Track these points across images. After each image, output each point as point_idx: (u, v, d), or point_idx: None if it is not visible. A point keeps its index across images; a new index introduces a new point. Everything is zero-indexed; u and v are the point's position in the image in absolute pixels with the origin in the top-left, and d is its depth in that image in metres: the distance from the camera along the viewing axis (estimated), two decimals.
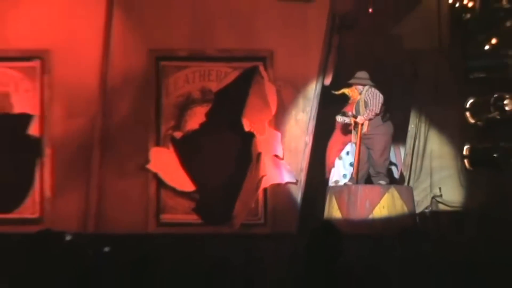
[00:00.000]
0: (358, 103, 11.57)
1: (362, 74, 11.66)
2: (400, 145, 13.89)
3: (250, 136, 11.84)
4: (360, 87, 11.56)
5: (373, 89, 11.47)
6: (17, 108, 12.12)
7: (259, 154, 11.71)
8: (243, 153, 11.93)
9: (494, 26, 12.86)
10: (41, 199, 12.00)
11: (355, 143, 11.64)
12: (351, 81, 11.62)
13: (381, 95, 11.43)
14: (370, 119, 11.35)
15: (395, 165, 13.80)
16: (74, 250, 5.00)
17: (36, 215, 11.94)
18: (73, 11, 11.99)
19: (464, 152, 13.06)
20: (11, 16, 12.07)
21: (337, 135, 12.67)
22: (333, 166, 12.69)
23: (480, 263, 8.17)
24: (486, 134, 12.95)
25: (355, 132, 11.59)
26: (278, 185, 11.88)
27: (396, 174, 13.68)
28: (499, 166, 12.34)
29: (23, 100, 12.12)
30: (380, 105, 11.41)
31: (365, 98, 11.43)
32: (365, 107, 11.38)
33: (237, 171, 11.95)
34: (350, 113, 11.67)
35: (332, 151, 12.80)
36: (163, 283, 5.63)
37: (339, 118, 11.76)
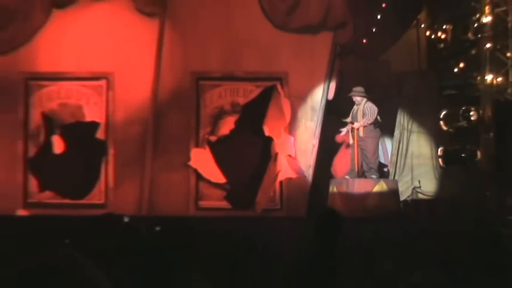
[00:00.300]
0: (356, 111, 12.30)
1: (359, 89, 12.44)
2: (388, 147, 14.77)
3: (269, 139, 12.46)
4: (359, 99, 12.32)
5: (370, 102, 12.29)
6: (88, 117, 12.81)
7: (276, 154, 12.38)
8: (264, 153, 12.53)
9: (462, 54, 13.71)
10: (105, 188, 12.69)
11: (352, 144, 12.34)
12: (351, 94, 12.38)
13: (376, 108, 12.24)
14: (365, 126, 12.10)
15: (385, 164, 14.53)
16: (131, 229, 5.01)
17: (101, 201, 12.61)
18: (132, 42, 12.67)
19: (439, 153, 13.79)
20: (84, 46, 12.65)
21: (342, 152, 13.24)
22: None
23: (450, 237, 8.33)
24: (456, 138, 13.64)
25: (351, 135, 12.32)
26: (291, 178, 12.42)
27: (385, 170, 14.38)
28: (466, 164, 13.19)
29: (93, 111, 12.81)
30: (375, 115, 12.22)
31: (364, 109, 12.18)
32: (363, 116, 12.12)
33: (259, 167, 12.51)
34: (348, 121, 12.37)
35: (340, 165, 13.22)
36: (201, 255, 5.54)
37: (343, 131, 12.42)
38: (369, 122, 12.23)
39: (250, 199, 12.44)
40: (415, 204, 13.57)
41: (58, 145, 12.79)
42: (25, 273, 1.71)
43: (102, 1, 12.78)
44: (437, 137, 14.15)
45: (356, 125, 12.20)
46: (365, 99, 12.38)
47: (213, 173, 12.61)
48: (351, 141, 12.44)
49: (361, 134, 12.28)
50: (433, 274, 4.30)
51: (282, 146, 12.44)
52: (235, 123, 12.70)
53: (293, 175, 12.47)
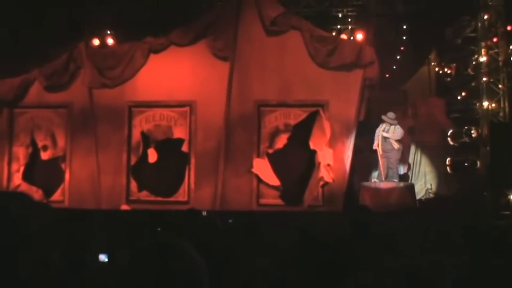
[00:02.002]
0: (387, 130, 12.53)
1: (391, 115, 12.69)
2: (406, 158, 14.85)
3: (313, 152, 12.69)
4: (390, 121, 12.62)
5: (398, 126, 12.60)
6: (176, 135, 13.23)
7: (319, 163, 12.58)
8: (309, 162, 12.75)
9: (464, 85, 14.01)
10: (188, 189, 13.03)
11: (381, 155, 12.68)
12: (385, 118, 12.63)
13: (402, 131, 12.60)
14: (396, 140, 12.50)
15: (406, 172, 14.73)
16: (208, 220, 4.97)
17: (185, 199, 12.92)
18: (209, 78, 13.03)
19: (447, 162, 14.05)
20: (173, 81, 13.14)
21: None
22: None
23: (455, 227, 7.65)
24: (460, 151, 13.94)
25: (380, 151, 12.68)
26: (330, 182, 12.47)
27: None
28: (469, 171, 13.44)
29: (179, 131, 13.21)
30: (401, 134, 12.61)
31: (394, 129, 12.53)
32: (394, 133, 12.49)
33: (306, 173, 12.73)
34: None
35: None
36: (261, 240, 5.32)
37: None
38: (396, 138, 12.52)
39: (299, 198, 12.59)
40: (428, 202, 13.68)
41: (152, 156, 13.20)
42: (151, 247, 1.73)
43: (187, 47, 13.14)
44: (445, 150, 14.34)
45: (392, 136, 12.42)
46: (394, 125, 12.63)
47: (270, 177, 12.80)
48: (379, 154, 12.67)
49: (396, 146, 12.54)
50: (437, 257, 4.15)
51: (324, 157, 12.48)
52: (287, 139, 12.91)
53: (331, 180, 12.44)
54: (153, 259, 1.71)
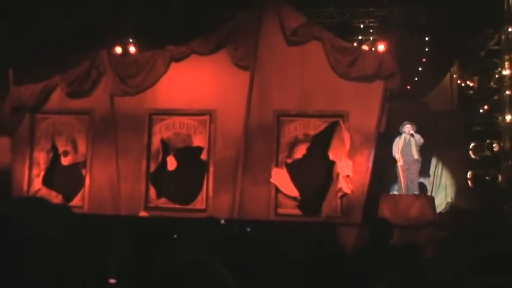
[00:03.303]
0: (408, 140, 12.57)
1: (409, 123, 12.71)
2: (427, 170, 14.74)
3: (333, 162, 12.53)
4: (410, 130, 12.60)
5: (417, 134, 12.54)
6: (195, 143, 13.17)
7: (338, 174, 12.41)
8: (328, 173, 12.57)
9: (487, 98, 13.92)
10: (206, 197, 12.94)
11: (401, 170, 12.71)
12: (405, 125, 12.62)
13: (422, 139, 12.52)
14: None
15: (424, 184, 14.61)
16: (226, 229, 4.89)
17: (203, 207, 12.87)
18: (229, 86, 13.01)
19: (468, 176, 13.99)
20: (193, 90, 13.09)
21: None
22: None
23: (474, 237, 8.02)
24: (482, 165, 13.86)
25: (400, 163, 12.66)
26: (349, 193, 12.30)
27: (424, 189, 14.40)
28: (489, 185, 13.38)
29: (199, 139, 13.15)
30: (422, 141, 12.54)
31: (415, 137, 12.50)
32: (416, 142, 12.50)
33: (324, 183, 12.56)
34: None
35: None
36: (277, 249, 5.35)
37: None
38: (420, 143, 12.42)
39: (317, 208, 12.48)
40: (448, 215, 13.54)
41: (171, 163, 13.14)
42: (182, 264, 1.71)
43: (208, 56, 13.14)
44: (466, 163, 14.24)
45: (418, 140, 12.41)
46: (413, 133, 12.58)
47: (289, 188, 12.67)
48: (400, 163, 12.62)
49: (416, 156, 12.50)
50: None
51: (343, 168, 12.36)
52: (306, 150, 12.79)
53: (350, 191, 12.29)
54: (182, 277, 1.69)
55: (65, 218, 2.08)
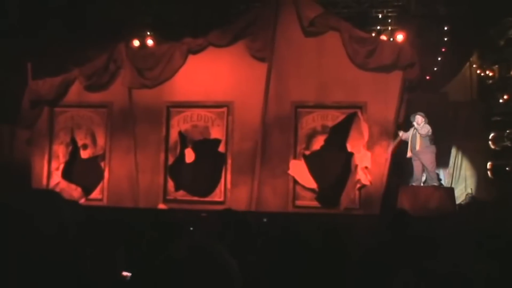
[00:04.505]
0: (415, 134, 12.18)
1: (419, 114, 12.29)
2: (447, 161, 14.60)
3: (351, 154, 12.47)
4: (420, 120, 12.17)
5: (427, 124, 12.18)
6: (213, 135, 13.18)
7: (356, 165, 12.35)
8: (346, 165, 12.54)
9: (506, 88, 13.76)
10: (224, 189, 12.95)
11: (413, 159, 12.28)
12: (416, 115, 12.20)
13: (430, 128, 12.09)
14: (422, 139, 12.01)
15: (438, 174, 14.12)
16: (243, 221, 4.76)
17: (221, 199, 12.87)
18: (246, 78, 12.96)
19: (488, 167, 13.94)
20: (211, 82, 13.07)
21: None
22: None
23: (492, 231, 8.44)
24: (502, 155, 13.77)
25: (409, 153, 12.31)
26: (367, 185, 12.25)
27: (443, 180, 14.22)
28: (510, 175, 13.29)
29: (216, 131, 13.16)
30: (428, 130, 12.04)
31: (422, 127, 12.10)
32: (421, 132, 12.06)
33: (343, 175, 12.51)
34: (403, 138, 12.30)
35: None
36: (296, 240, 5.97)
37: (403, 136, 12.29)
38: (423, 133, 12.05)
39: (335, 200, 12.40)
40: (468, 207, 13.38)
41: (189, 156, 13.20)
42: (183, 250, 1.75)
43: (225, 48, 13.10)
44: (486, 154, 14.16)
45: (420, 130, 12.03)
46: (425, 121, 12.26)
47: (307, 179, 12.64)
48: (408, 155, 12.31)
49: (417, 148, 12.15)
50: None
51: (361, 159, 12.31)
52: (324, 141, 12.75)
53: (368, 182, 12.24)
54: (185, 262, 1.72)
55: (75, 212, 2.07)
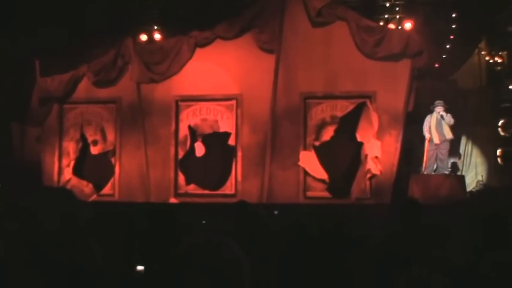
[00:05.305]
0: (439, 119, 12.30)
1: (441, 102, 12.48)
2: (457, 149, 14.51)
3: (361, 144, 12.45)
4: (441, 109, 12.34)
5: (449, 114, 12.31)
6: (222, 129, 13.15)
7: (366, 155, 12.33)
8: (356, 154, 12.51)
9: None
10: (235, 182, 12.97)
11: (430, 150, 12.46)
12: (436, 105, 12.38)
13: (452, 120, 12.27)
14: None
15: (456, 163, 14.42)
16: (255, 212, 4.50)
17: (232, 192, 12.89)
18: (255, 71, 12.92)
19: (498, 154, 13.88)
20: (219, 75, 13.09)
21: None
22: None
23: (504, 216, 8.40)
24: (511, 142, 13.76)
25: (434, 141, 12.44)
26: (378, 174, 12.22)
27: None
28: None
29: (226, 124, 13.15)
30: (453, 121, 12.29)
31: (447, 116, 12.25)
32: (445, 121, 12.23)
33: (353, 165, 12.47)
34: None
35: None
36: (307, 229, 5.39)
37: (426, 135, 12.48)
38: (451, 123, 12.28)
39: (346, 190, 12.40)
40: (479, 194, 13.25)
41: (199, 149, 13.19)
42: (192, 244, 1.76)
43: (232, 41, 13.09)
44: (496, 141, 14.09)
45: (448, 121, 12.21)
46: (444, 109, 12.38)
47: (317, 170, 12.62)
48: (436, 141, 12.41)
49: (449, 136, 12.36)
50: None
51: (371, 149, 12.28)
52: (334, 131, 12.72)
53: (379, 172, 12.21)
54: (194, 255, 1.72)
55: (86, 209, 2.07)
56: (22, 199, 1.85)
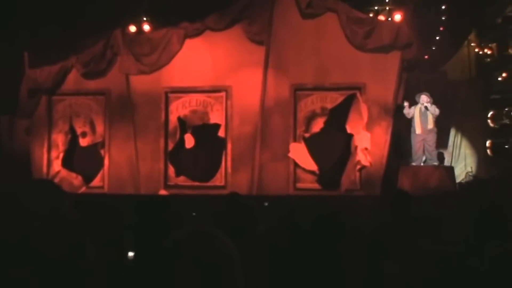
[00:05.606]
0: (424, 110, 12.37)
1: (426, 94, 12.55)
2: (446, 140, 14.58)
3: (350, 135, 12.41)
4: (426, 99, 12.45)
5: (433, 106, 12.38)
6: (212, 120, 13.10)
7: (356, 147, 12.29)
8: (346, 146, 12.46)
9: (504, 66, 13.78)
10: (225, 173, 12.91)
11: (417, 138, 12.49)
12: (421, 95, 12.44)
13: (437, 110, 12.33)
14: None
15: (442, 153, 14.31)
16: (246, 204, 4.56)
17: (222, 184, 12.84)
18: (244, 62, 12.89)
19: (487, 145, 13.93)
20: (208, 66, 13.03)
21: None
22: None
23: (491, 207, 8.30)
24: (501, 133, 13.79)
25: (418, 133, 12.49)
26: (368, 165, 12.18)
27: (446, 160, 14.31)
28: (509, 153, 13.35)
29: (215, 116, 13.09)
30: (438, 112, 12.36)
31: (431, 107, 12.34)
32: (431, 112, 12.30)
33: (343, 157, 12.43)
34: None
35: None
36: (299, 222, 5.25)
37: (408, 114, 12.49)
38: (436, 114, 12.34)
39: (336, 182, 12.35)
40: (468, 185, 13.43)
41: (189, 141, 13.12)
42: (190, 234, 1.77)
43: (222, 32, 13.02)
44: (485, 132, 14.13)
45: (433, 111, 12.27)
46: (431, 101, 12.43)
47: (307, 162, 12.61)
48: (418, 131, 12.49)
49: (430, 126, 12.39)
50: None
51: (361, 140, 12.27)
52: (324, 123, 12.72)
53: (368, 163, 12.21)
54: (184, 248, 1.72)
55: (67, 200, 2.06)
56: (10, 191, 1.83)
